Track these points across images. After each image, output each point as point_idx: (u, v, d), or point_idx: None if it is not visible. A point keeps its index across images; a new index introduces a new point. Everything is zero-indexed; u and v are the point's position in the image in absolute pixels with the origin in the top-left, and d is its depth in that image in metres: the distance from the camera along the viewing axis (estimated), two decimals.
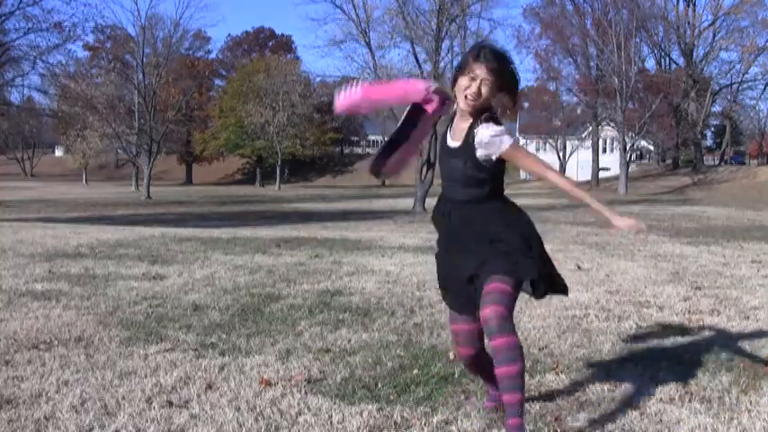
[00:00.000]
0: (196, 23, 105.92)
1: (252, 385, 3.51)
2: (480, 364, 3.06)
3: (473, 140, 2.80)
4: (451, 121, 2.94)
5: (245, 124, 61.39)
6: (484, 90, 2.75)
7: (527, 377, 3.66)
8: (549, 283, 2.92)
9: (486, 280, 2.75)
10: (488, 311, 2.68)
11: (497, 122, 2.82)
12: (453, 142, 2.89)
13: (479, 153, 2.80)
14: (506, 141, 2.78)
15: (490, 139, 2.77)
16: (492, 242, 2.81)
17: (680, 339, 4.49)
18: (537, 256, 2.85)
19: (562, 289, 2.99)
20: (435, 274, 3.09)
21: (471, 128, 2.81)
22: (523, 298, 5.86)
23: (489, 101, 2.80)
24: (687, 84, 48.46)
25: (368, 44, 28.04)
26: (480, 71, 2.74)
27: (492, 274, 2.74)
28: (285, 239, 11.34)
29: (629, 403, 3.28)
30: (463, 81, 2.78)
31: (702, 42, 49.45)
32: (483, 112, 2.81)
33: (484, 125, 2.79)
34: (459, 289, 2.90)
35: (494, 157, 2.80)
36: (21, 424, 3.00)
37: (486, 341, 2.85)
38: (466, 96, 2.78)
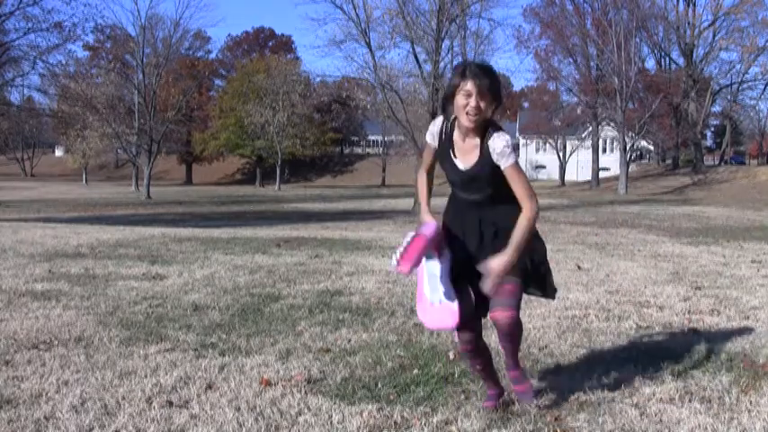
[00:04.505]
0: (196, 23, 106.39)
1: (252, 385, 3.51)
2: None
3: (488, 154, 2.94)
4: (450, 141, 3.04)
5: (245, 124, 61.38)
6: (482, 104, 2.85)
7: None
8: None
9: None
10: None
11: (504, 132, 2.97)
12: (463, 164, 3.00)
13: (495, 159, 2.94)
14: (511, 159, 2.93)
15: (502, 149, 2.92)
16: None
17: (680, 339, 4.49)
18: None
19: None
20: None
21: (483, 142, 2.94)
22: (525, 298, 5.87)
23: (487, 114, 2.89)
24: (687, 84, 48.44)
25: (368, 44, 28.04)
26: (472, 87, 2.84)
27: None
28: (285, 239, 11.34)
29: (629, 403, 3.27)
30: (459, 100, 2.87)
31: (702, 42, 49.43)
32: (485, 126, 2.94)
33: (496, 134, 2.93)
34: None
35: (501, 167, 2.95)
36: (21, 424, 3.00)
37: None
38: (467, 113, 2.86)
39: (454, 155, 3.02)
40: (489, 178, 2.95)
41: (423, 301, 3.14)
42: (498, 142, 2.91)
